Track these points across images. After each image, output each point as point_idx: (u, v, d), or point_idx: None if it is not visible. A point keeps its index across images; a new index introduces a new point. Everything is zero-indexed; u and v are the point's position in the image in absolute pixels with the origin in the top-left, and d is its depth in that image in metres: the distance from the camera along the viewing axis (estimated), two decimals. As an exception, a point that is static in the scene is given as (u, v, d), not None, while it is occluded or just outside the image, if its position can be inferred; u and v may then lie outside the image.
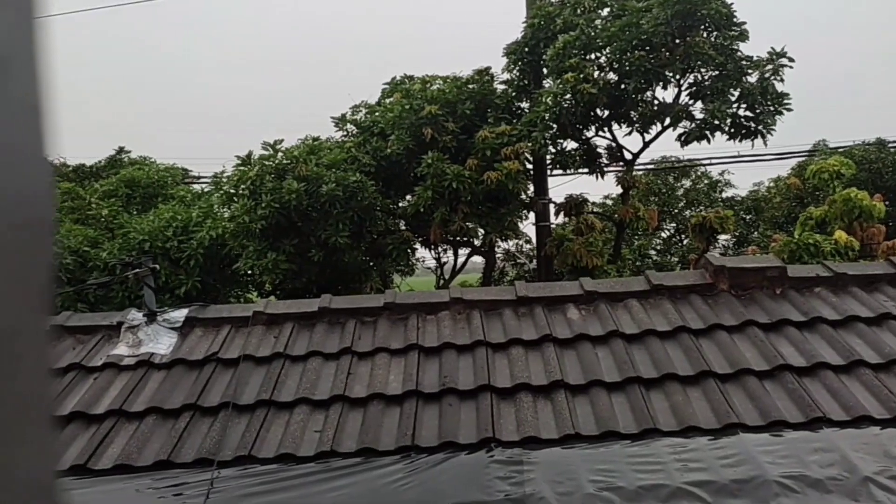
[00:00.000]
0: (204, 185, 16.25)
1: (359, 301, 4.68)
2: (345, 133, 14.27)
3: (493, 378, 3.83)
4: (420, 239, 13.91)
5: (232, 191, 12.31)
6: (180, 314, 4.53)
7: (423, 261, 15.97)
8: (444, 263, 15.58)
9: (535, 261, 16.16)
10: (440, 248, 14.98)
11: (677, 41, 11.98)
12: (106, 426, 3.69)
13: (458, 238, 13.82)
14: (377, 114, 13.89)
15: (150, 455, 3.47)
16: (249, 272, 12.31)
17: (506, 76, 14.12)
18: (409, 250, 13.86)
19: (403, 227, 13.79)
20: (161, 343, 4.32)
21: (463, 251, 15.06)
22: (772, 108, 11.95)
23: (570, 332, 4.17)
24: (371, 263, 13.41)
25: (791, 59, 11.95)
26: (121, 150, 22.00)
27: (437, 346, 4.13)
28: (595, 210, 15.26)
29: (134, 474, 3.40)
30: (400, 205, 13.85)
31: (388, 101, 14.17)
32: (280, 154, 12.31)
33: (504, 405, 3.68)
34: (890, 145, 23.47)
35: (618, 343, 4.04)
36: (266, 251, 11.67)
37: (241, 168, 12.25)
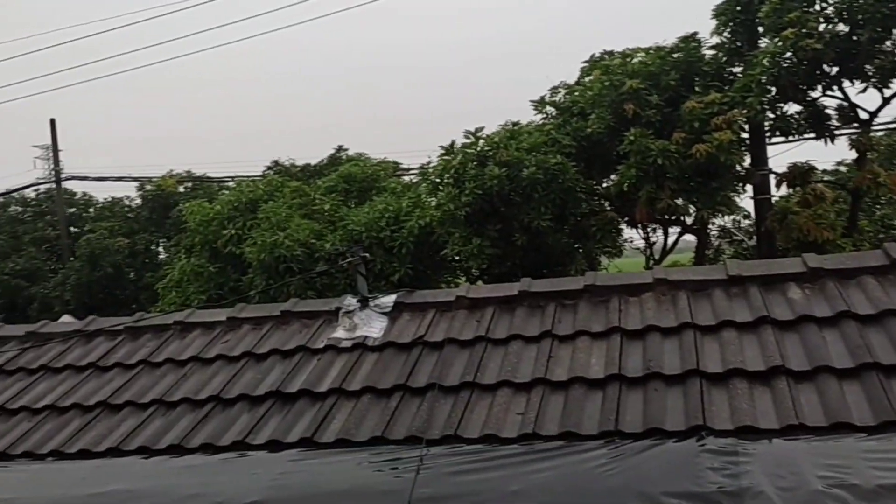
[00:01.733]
0: (412, 177, 17.07)
1: (559, 284, 4.63)
2: (544, 116, 14.20)
3: (703, 363, 3.60)
4: (626, 219, 13.49)
5: (437, 180, 12.78)
6: (389, 300, 4.79)
7: (631, 241, 15.48)
8: (654, 244, 14.98)
9: (754, 237, 14.98)
10: (648, 228, 14.41)
11: (923, -21, 10.39)
12: (328, 403, 4.01)
13: (666, 217, 13.20)
14: (576, 93, 13.65)
15: (366, 431, 3.72)
16: (457, 258, 12.72)
17: (715, 40, 13.18)
18: (614, 231, 13.50)
19: (608, 208, 13.45)
20: (373, 327, 4.60)
21: (673, 230, 14.37)
22: None
23: (792, 313, 3.79)
24: (576, 246, 13.25)
25: None
26: (339, 149, 23.82)
27: (641, 329, 3.97)
28: (825, 178, 13.75)
29: (353, 448, 3.65)
30: (603, 185, 13.52)
31: (587, 79, 13.87)
32: (481, 141, 12.56)
33: (715, 391, 3.45)
34: None
35: (850, 325, 3.61)
36: (471, 237, 11.98)
37: (445, 158, 12.67)
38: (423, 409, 3.77)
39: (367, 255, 5.25)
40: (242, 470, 3.58)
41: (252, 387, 4.24)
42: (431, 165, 13.72)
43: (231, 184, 22.25)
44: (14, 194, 26.73)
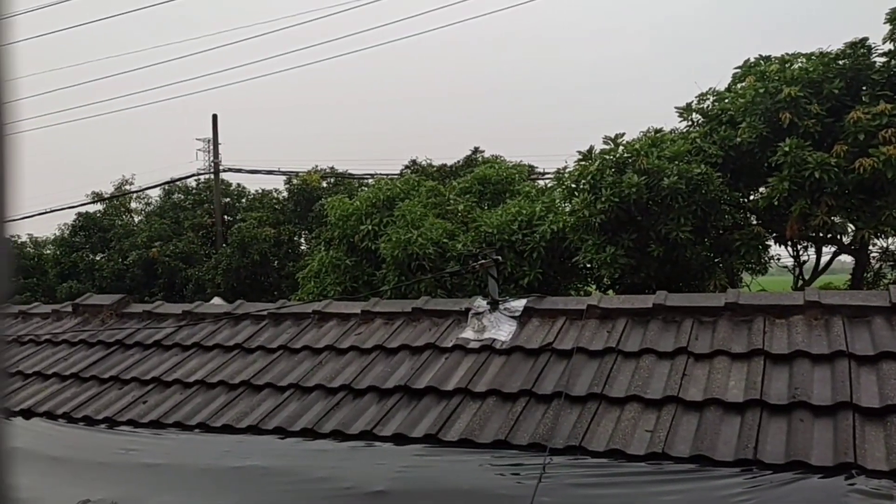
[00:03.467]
0: (547, 181, 16.93)
1: (697, 299, 4.43)
2: (690, 123, 13.64)
3: (857, 395, 3.32)
4: (773, 235, 12.69)
5: (573, 185, 12.60)
6: (519, 304, 4.77)
7: (779, 259, 14.57)
8: (804, 262, 14.00)
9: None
10: (799, 245, 13.50)
11: None
12: (454, 402, 4.05)
13: (820, 234, 12.30)
14: (726, 101, 13.00)
15: (489, 433, 3.72)
16: (588, 265, 12.49)
17: (888, 46, 12.11)
18: (760, 247, 12.75)
19: (754, 222, 12.72)
20: (502, 330, 4.60)
21: (827, 249, 13.37)
22: None
23: (873, 349, 3.41)
24: (716, 260, 12.63)
25: None
26: (475, 151, 24.06)
27: (787, 354, 3.71)
28: None
29: (476, 449, 3.67)
30: (750, 198, 12.80)
31: (739, 86, 13.17)
32: (621, 148, 12.25)
33: (870, 428, 3.16)
34: None
35: None
36: (605, 245, 11.72)
37: (582, 163, 12.47)
38: (548, 417, 3.72)
39: (499, 257, 5.26)
40: (369, 459, 3.69)
41: (382, 380, 4.36)
42: (568, 170, 13.55)
43: (370, 181, 23.08)
44: (178, 183, 29.13)
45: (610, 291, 12.30)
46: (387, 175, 21.10)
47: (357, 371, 4.51)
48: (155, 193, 29.38)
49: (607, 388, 3.82)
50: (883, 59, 12.11)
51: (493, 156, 21.26)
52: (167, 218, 27.32)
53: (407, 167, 24.43)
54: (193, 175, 28.67)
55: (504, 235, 13.04)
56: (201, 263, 24.42)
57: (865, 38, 12.19)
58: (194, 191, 29.29)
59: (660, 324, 4.28)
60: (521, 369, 4.19)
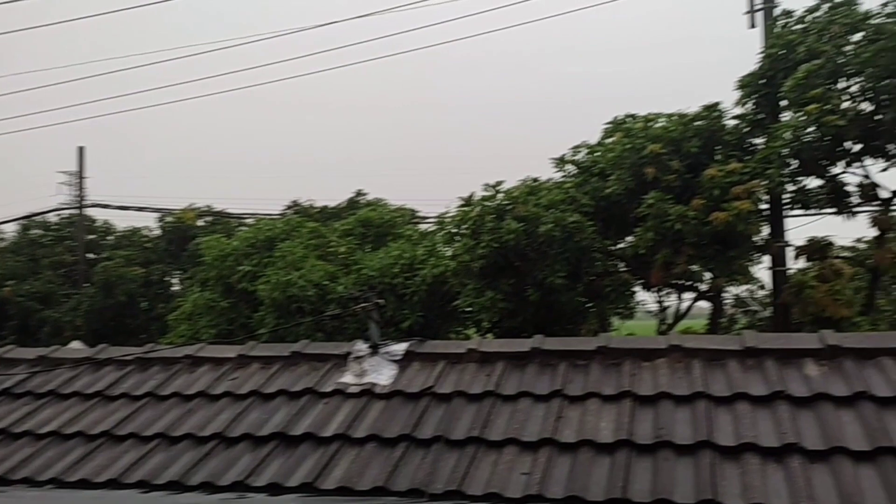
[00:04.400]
0: (429, 225, 17.17)
1: (571, 343, 4.60)
2: (564, 173, 14.31)
3: (715, 435, 3.54)
4: (640, 281, 13.44)
5: (454, 230, 12.85)
6: (400, 348, 4.77)
7: (644, 304, 15.40)
8: (667, 308, 14.89)
9: (768, 309, 14.85)
10: (662, 292, 14.35)
11: (947, 64, 10.50)
12: (332, 449, 3.96)
13: (681, 282, 13.15)
14: (597, 153, 13.78)
15: (368, 480, 3.66)
16: (468, 309, 12.69)
17: (738, 111, 13.33)
18: (628, 293, 13.46)
19: (623, 269, 13.43)
20: (382, 374, 4.57)
21: (687, 296, 14.29)
22: None
23: (808, 390, 3.73)
24: (588, 305, 13.21)
25: None
26: (358, 193, 24.08)
27: (653, 395, 3.91)
28: (843, 254, 13.68)
29: (354, 497, 3.59)
30: (619, 246, 13.53)
31: (608, 140, 14.01)
32: (500, 195, 12.65)
33: (727, 465, 3.38)
34: None
35: (867, 407, 3.54)
36: (484, 290, 11.98)
37: (464, 208, 12.76)
38: (428, 462, 3.71)
39: (381, 301, 5.26)
40: (241, 512, 3.52)
41: (257, 427, 4.20)
42: (449, 215, 13.82)
43: (250, 220, 22.49)
44: (36, 218, 27.14)
45: (489, 335, 12.54)
46: (267, 216, 20.66)
47: (230, 418, 4.32)
48: (10, 228, 27.19)
49: (486, 432, 3.86)
50: (734, 122, 13.30)
51: (375, 198, 21.35)
52: (22, 255, 25.32)
53: (288, 207, 24.06)
54: (53, 210, 26.83)
55: (386, 278, 13.05)
56: (60, 304, 22.74)
57: (718, 102, 13.35)
58: (54, 226, 27.39)
59: (536, 367, 4.40)
60: (402, 414, 4.16)
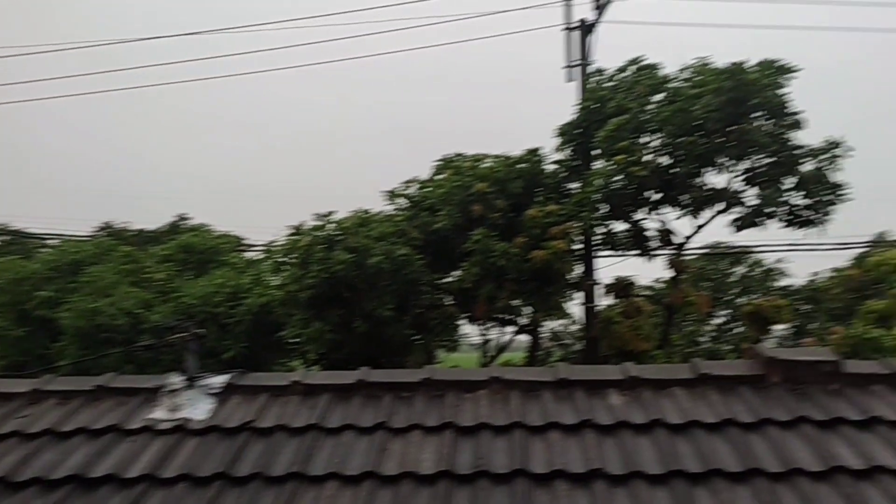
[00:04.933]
0: (256, 253, 16.65)
1: (396, 375, 4.63)
2: (395, 207, 14.53)
3: (529, 463, 3.70)
4: (466, 315, 13.86)
5: (282, 259, 12.56)
6: (220, 380, 4.55)
7: (469, 337, 15.88)
8: (489, 341, 15.45)
9: (580, 342, 15.90)
10: (485, 325, 14.89)
11: (730, 127, 11.99)
12: (137, 491, 3.67)
13: (503, 316, 13.73)
14: (427, 189, 14.14)
15: (177, 523, 3.43)
16: (295, 340, 12.40)
17: (557, 156, 14.30)
18: (453, 326, 13.81)
19: (449, 303, 13.79)
20: (198, 409, 4.33)
21: (509, 329, 14.93)
22: (827, 198, 11.74)
23: (611, 418, 4.02)
24: (415, 337, 13.38)
25: (849, 149, 11.80)
26: (181, 217, 22.85)
27: (473, 426, 4.03)
28: (644, 293, 15.01)
29: (160, 542, 3.34)
30: (446, 280, 13.90)
31: (438, 177, 14.44)
32: (331, 225, 12.57)
33: (539, 492, 3.54)
34: (955, 239, 22.63)
35: (661, 433, 3.88)
36: (311, 320, 11.78)
37: (293, 237, 12.53)
38: (244, 500, 3.55)
39: (201, 330, 5.00)
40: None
41: (49, 469, 3.80)
42: (278, 243, 13.50)
43: (55, 241, 20.52)
44: None
45: (315, 367, 12.30)
46: (75, 237, 18.98)
47: (18, 460, 3.87)
48: None
49: (307, 467, 3.77)
50: (553, 167, 14.24)
51: (199, 224, 20.36)
52: None
53: (101, 229, 22.28)
54: None
55: (207, 307, 12.44)
56: None
57: (539, 147, 14.26)
58: None
59: (362, 399, 4.38)
60: (218, 450, 3.96)
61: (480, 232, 12.43)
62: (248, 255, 17.27)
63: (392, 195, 14.60)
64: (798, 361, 4.20)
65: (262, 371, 5.34)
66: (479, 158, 14.27)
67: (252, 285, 12.92)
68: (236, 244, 18.02)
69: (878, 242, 21.74)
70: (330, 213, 12.74)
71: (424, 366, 4.94)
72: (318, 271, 11.55)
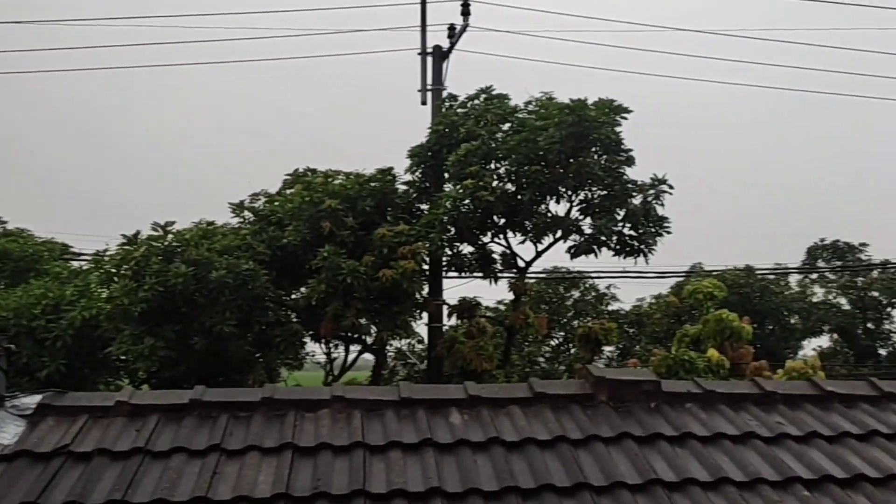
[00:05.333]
0: (84, 263, 15.40)
1: (234, 394, 4.45)
2: (242, 220, 14.05)
3: (369, 482, 3.68)
4: (310, 332, 13.61)
5: (113, 270, 11.72)
6: (32, 401, 4.14)
7: (313, 355, 15.60)
8: (335, 359, 15.25)
9: (425, 362, 16.08)
10: (331, 344, 14.69)
11: (570, 160, 12.73)
12: (-76, 526, 3.25)
13: (349, 334, 13.62)
14: (276, 203, 13.82)
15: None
16: (123, 358, 11.57)
17: (408, 177, 14.49)
18: (298, 343, 13.50)
19: (294, 320, 13.48)
20: (5, 432, 3.91)
21: (354, 348, 14.82)
22: (653, 230, 12.75)
23: (451, 437, 4.10)
24: (257, 355, 12.95)
25: (671, 186, 12.89)
26: (-2, 221, 20.67)
27: (313, 447, 3.95)
28: (487, 314, 15.49)
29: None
30: (292, 296, 13.59)
31: (288, 191, 14.15)
32: (170, 236, 11.92)
33: (379, 512, 3.53)
34: (757, 272, 25.40)
35: (498, 450, 4.00)
36: (143, 336, 11.05)
37: (126, 247, 11.74)
38: (55, 534, 3.24)
39: (12, 346, 4.54)
40: None
41: None
42: (109, 253, 12.58)
43: None
44: None
45: (145, 386, 11.54)
46: None
47: None
48: None
49: (130, 494, 3.52)
50: (404, 187, 14.41)
51: (17, 228, 18.52)
52: None
53: None
54: None
55: (23, 320, 11.32)
56: None
57: (391, 167, 14.39)
58: None
59: (195, 420, 4.16)
60: (26, 478, 3.60)
61: (329, 249, 12.29)
62: (76, 264, 15.94)
63: (239, 207, 14.12)
64: (622, 381, 4.50)
65: (83, 391, 4.93)
66: (330, 175, 14.14)
67: (77, 297, 11.92)
68: (61, 252, 16.58)
69: (694, 272, 23.92)
70: (169, 224, 12.08)
71: (266, 384, 4.76)
72: (153, 284, 10.88)
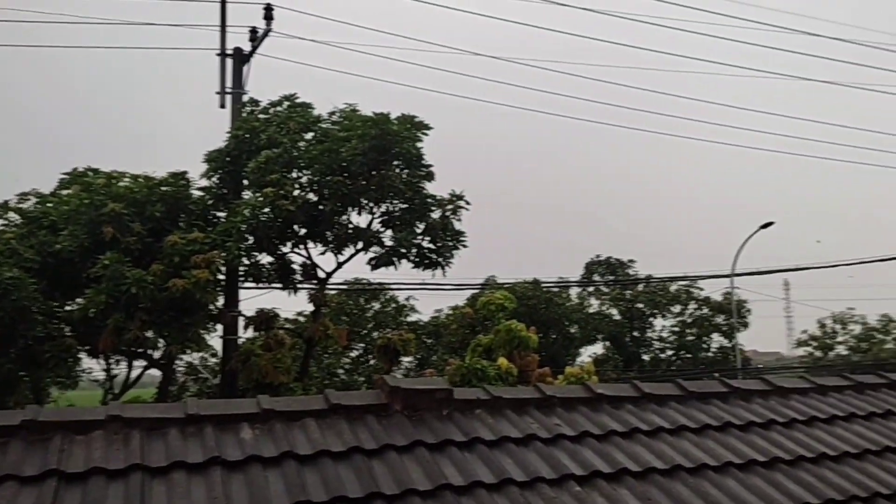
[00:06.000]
0: None
1: (-13, 419, 3.94)
2: (6, 222, 12.53)
3: (147, 507, 3.43)
4: (87, 347, 12.44)
5: None
6: None
7: (90, 372, 14.28)
8: (115, 376, 14.06)
9: (219, 376, 15.36)
10: (111, 359, 13.54)
11: (373, 172, 12.87)
12: None
13: (133, 349, 12.63)
14: (50, 205, 12.50)
15: None
16: None
17: (204, 182, 13.80)
18: (71, 360, 12.29)
19: (68, 333, 12.25)
20: None
21: (138, 363, 13.77)
22: (450, 243, 13.26)
23: (241, 453, 3.94)
24: (22, 374, 11.59)
25: (468, 202, 13.50)
26: None
27: (83, 472, 3.60)
28: (286, 326, 15.14)
29: None
30: (66, 308, 12.34)
31: (64, 192, 12.87)
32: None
33: (157, 539, 3.29)
34: (543, 285, 27.38)
35: (290, 464, 3.91)
36: None
37: None
38: None
39: None
40: None
41: None
42: None
43: None
44: None
45: None
46: None
47: None
48: None
49: None
50: (199, 193, 13.70)
51: None
52: None
53: None
54: None
55: None
56: None
57: (186, 171, 13.63)
58: None
59: (-65, 450, 3.62)
60: None
61: (111, 256, 11.31)
62: None
63: (2, 208, 12.57)
64: (416, 390, 4.61)
65: None
66: (115, 176, 13.05)
67: None
68: None
69: (488, 285, 25.19)
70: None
71: (28, 406, 4.22)
72: None
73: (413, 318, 25.85)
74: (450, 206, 13.36)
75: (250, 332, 13.66)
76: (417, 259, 13.30)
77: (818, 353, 36.20)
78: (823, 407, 5.04)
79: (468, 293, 24.71)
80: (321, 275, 14.02)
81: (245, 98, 14.49)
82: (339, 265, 13.91)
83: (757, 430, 4.65)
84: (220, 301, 13.23)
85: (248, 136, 13.42)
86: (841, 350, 35.96)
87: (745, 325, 32.28)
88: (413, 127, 13.16)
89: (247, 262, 13.21)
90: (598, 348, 31.77)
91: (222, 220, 13.26)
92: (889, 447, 4.55)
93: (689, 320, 32.31)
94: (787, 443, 4.49)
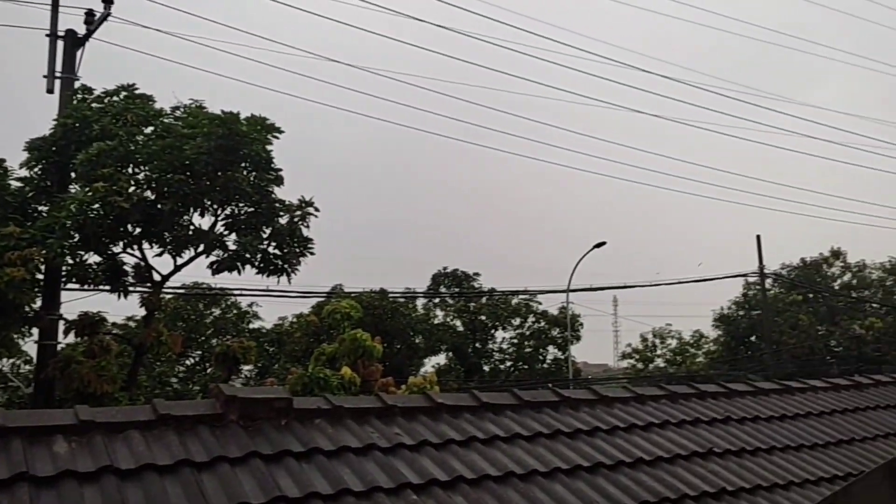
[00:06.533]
0: None
1: None
2: None
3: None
4: None
5: None
6: None
7: None
8: None
9: (33, 385, 14.01)
10: None
11: (218, 173, 12.35)
12: None
13: (-73, 354, 11.23)
14: None
15: None
16: None
17: (24, 173, 12.60)
18: None
19: None
20: None
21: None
22: (297, 250, 12.99)
23: (54, 468, 3.61)
24: None
25: (317, 209, 13.29)
26: None
27: None
28: (114, 331, 14.10)
29: None
30: None
31: None
32: None
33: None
34: (390, 295, 27.55)
35: (110, 480, 3.64)
36: None
37: None
38: None
39: None
40: None
41: None
42: None
43: None
44: None
45: None
46: None
47: None
48: None
49: None
50: (18, 184, 12.50)
51: None
52: None
53: None
54: None
55: None
56: None
57: (3, 160, 12.40)
58: None
59: None
60: None
61: None
62: None
63: None
64: (254, 399, 4.46)
65: None
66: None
67: None
68: None
69: (334, 293, 24.93)
70: None
71: None
72: None
73: (256, 325, 25.03)
74: (298, 213, 13.09)
75: (71, 338, 12.60)
76: (262, 265, 12.89)
77: (640, 366, 39.26)
78: (642, 415, 5.44)
79: (314, 301, 24.31)
80: (157, 277, 13.21)
81: (77, 84, 13.41)
82: (177, 268, 13.18)
83: (583, 438, 4.94)
84: (38, 303, 12.10)
85: (77, 125, 12.41)
86: (659, 363, 39.24)
87: (578, 338, 34.32)
88: (263, 129, 12.78)
89: (71, 261, 12.17)
90: (441, 359, 32.43)
91: (44, 214, 12.15)
92: (696, 452, 5.01)
93: (528, 333, 33.79)
94: (610, 449, 4.81)
